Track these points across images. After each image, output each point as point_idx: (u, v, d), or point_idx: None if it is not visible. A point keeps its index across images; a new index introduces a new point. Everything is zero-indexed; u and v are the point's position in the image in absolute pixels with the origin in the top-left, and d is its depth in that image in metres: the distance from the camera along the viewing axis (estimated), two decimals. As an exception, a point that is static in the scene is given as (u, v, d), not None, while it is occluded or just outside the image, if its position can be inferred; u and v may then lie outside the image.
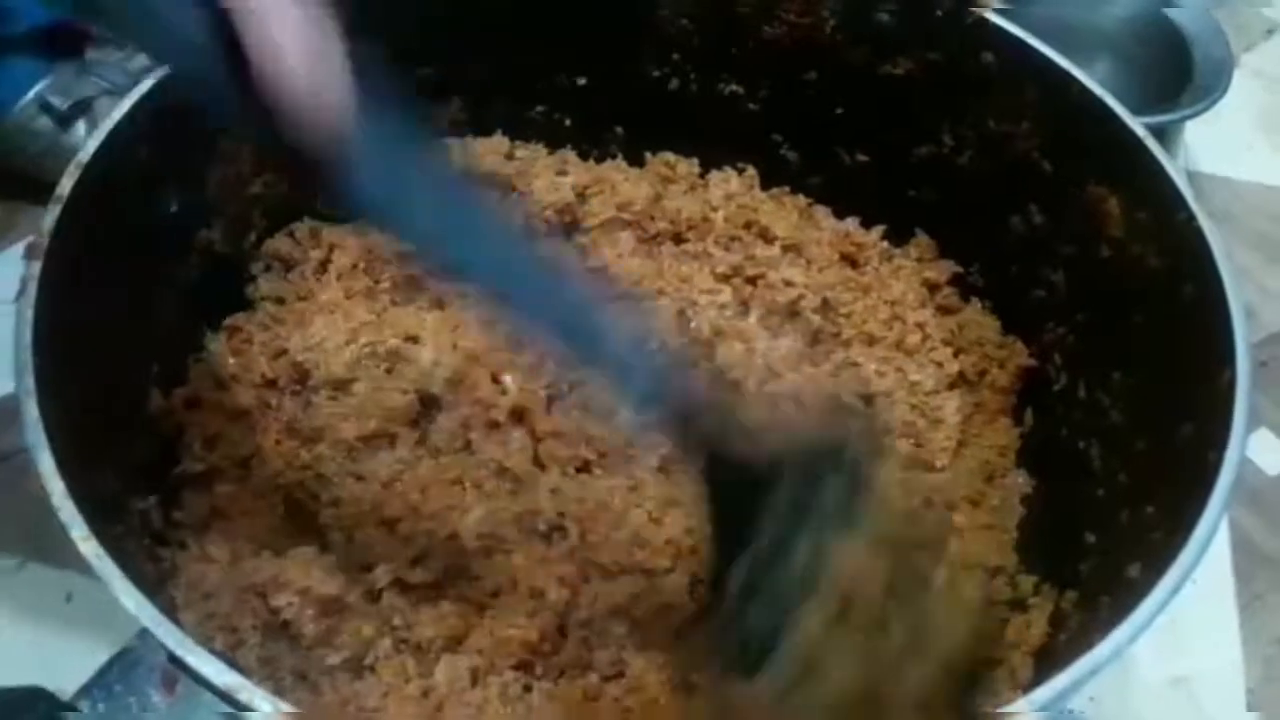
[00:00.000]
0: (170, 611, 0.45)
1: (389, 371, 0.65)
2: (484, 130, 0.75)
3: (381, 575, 0.58)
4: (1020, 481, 0.68)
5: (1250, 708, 0.71)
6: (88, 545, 0.44)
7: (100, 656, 0.62)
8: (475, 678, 0.56)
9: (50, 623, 0.64)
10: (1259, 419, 0.86)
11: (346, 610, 0.57)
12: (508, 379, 0.65)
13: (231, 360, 0.66)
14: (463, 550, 0.59)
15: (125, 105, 0.57)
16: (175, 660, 0.42)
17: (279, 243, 0.72)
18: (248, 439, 0.63)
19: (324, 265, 0.71)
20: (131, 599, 0.43)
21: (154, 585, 0.54)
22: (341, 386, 0.65)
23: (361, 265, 0.71)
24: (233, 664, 0.42)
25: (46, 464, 0.45)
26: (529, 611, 0.57)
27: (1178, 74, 0.95)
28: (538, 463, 0.63)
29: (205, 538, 0.59)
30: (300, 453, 0.63)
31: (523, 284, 0.45)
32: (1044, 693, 0.43)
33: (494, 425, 0.64)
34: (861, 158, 0.76)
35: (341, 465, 0.62)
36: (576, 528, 0.60)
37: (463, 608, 0.58)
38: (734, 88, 0.75)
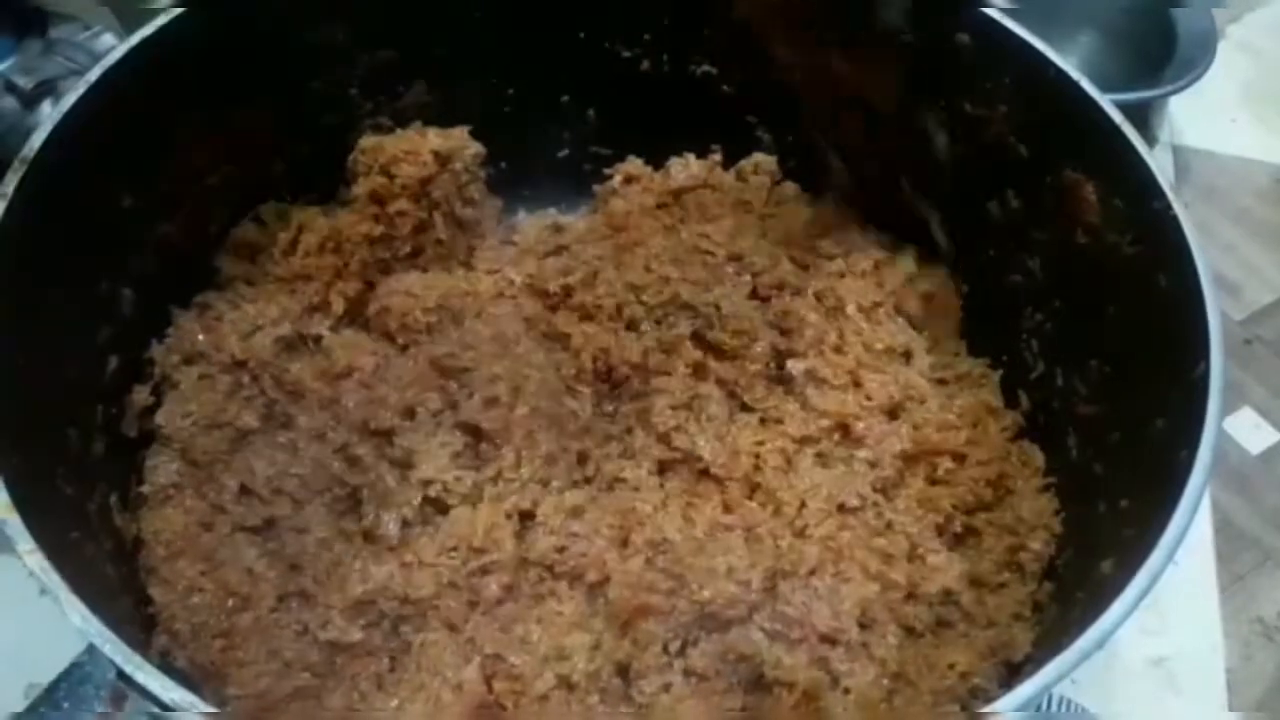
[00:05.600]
0: (119, 623, 0.44)
1: None
2: (451, 116, 0.73)
3: None
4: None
5: (1229, 688, 0.70)
6: (33, 559, 0.43)
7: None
8: None
9: (28, 615, 0.63)
10: (1243, 397, 0.85)
11: None
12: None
13: (202, 337, 0.65)
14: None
15: (69, 100, 0.55)
16: (123, 676, 0.41)
17: (244, 230, 0.70)
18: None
19: (293, 245, 0.69)
20: (77, 613, 0.42)
21: (114, 591, 0.54)
22: None
23: (330, 245, 0.69)
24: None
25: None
26: None
27: (1162, 46, 0.92)
28: None
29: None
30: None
31: None
32: (1011, 700, 0.43)
33: None
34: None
35: None
36: None
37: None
38: (707, 68, 0.74)
